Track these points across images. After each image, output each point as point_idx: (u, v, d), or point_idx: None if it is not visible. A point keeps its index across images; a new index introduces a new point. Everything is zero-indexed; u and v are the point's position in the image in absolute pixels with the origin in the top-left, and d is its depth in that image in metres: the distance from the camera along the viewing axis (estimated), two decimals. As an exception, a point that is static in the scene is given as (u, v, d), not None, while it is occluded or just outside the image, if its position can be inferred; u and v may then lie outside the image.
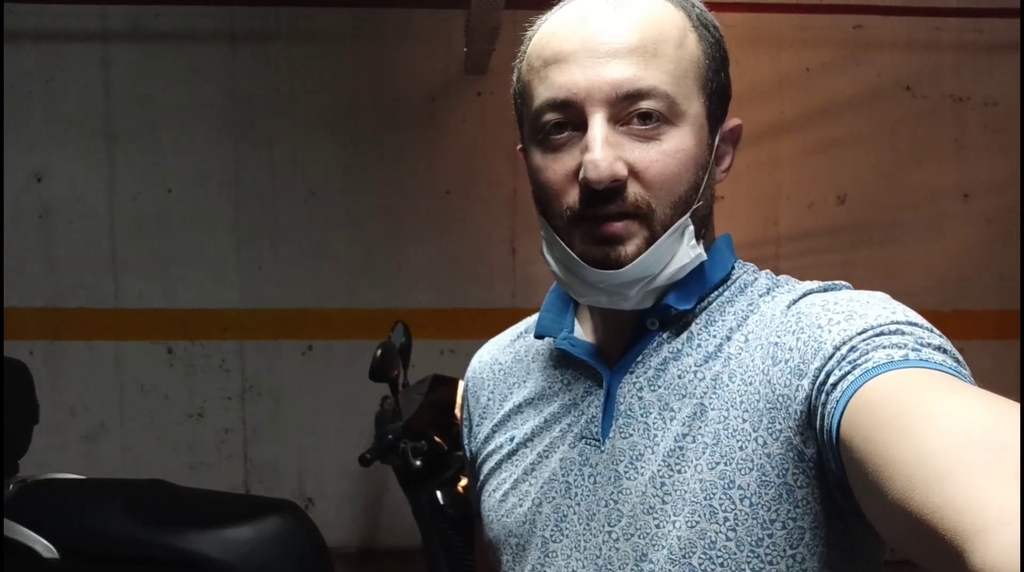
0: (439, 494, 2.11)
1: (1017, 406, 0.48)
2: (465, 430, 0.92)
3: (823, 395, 0.58)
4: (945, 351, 0.58)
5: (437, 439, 2.11)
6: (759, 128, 3.59)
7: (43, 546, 2.01)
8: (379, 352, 2.09)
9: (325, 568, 2.21)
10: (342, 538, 3.59)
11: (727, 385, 0.68)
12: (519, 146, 0.77)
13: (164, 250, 3.52)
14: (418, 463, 2.05)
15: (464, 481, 2.15)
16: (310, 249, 3.56)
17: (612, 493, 0.71)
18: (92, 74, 3.45)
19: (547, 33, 0.71)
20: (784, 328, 0.66)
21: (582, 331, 0.81)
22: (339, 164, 3.55)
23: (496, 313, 3.58)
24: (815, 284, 0.72)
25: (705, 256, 0.72)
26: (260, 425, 3.60)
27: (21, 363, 2.33)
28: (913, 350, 0.56)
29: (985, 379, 0.58)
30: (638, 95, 0.65)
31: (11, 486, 2.15)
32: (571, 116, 0.67)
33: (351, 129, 3.53)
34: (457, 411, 2.25)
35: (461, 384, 2.35)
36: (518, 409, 0.83)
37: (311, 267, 3.56)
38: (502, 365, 0.89)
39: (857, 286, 0.70)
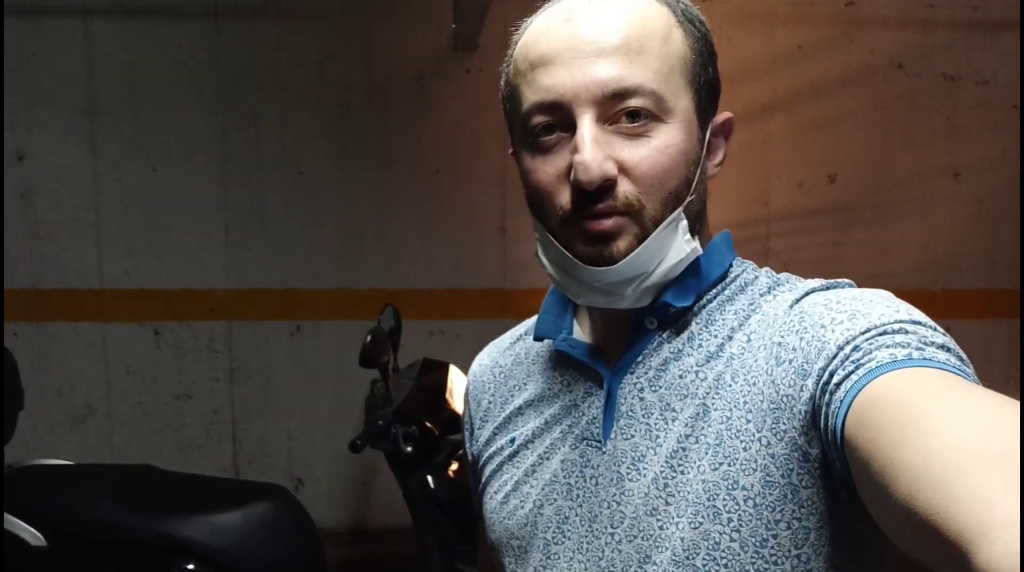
0: (430, 479, 2.11)
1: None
2: (467, 433, 0.92)
3: (827, 395, 0.58)
4: (949, 350, 0.58)
5: (428, 424, 2.11)
6: (751, 107, 3.57)
7: (30, 534, 2.00)
8: (369, 338, 2.07)
9: (316, 551, 2.21)
10: (332, 518, 3.60)
11: (730, 385, 0.67)
12: (511, 150, 0.77)
13: (149, 230, 3.48)
14: (409, 449, 2.05)
15: (455, 465, 2.15)
16: (298, 228, 3.53)
17: (614, 494, 0.71)
18: (74, 51, 3.38)
19: (532, 36, 0.71)
20: (787, 328, 0.66)
21: (581, 332, 0.81)
22: (327, 142, 3.51)
23: (486, 293, 3.56)
24: (817, 282, 0.71)
25: (700, 250, 0.72)
26: (249, 406, 3.59)
27: (5, 349, 2.31)
28: (917, 349, 0.56)
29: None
30: (625, 93, 0.65)
31: (-4, 472, 2.13)
32: (559, 117, 0.67)
33: (339, 107, 3.49)
34: (448, 397, 2.24)
35: (452, 368, 2.34)
36: (519, 411, 0.83)
37: (299, 247, 3.53)
38: (502, 368, 0.89)
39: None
